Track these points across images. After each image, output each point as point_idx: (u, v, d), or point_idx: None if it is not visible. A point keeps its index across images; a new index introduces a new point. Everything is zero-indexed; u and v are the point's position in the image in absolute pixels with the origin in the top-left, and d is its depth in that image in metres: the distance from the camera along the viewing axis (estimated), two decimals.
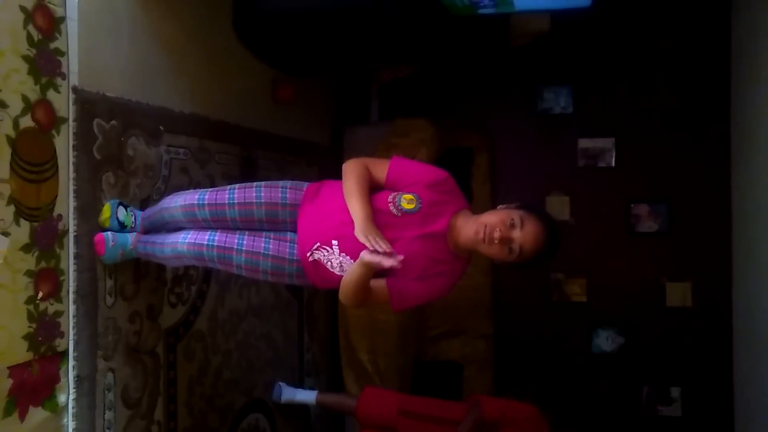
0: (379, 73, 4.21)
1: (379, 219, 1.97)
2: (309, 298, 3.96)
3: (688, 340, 4.14)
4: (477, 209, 2.10)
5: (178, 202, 2.25)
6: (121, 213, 2.36)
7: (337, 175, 2.11)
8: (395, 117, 4.17)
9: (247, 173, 3.27)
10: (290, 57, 3.50)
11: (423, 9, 3.32)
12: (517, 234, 1.90)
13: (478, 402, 3.08)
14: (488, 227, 1.90)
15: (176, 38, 2.81)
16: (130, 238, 2.36)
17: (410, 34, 3.32)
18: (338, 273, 2.04)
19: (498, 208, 2.01)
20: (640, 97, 4.23)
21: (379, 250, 1.86)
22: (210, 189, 2.24)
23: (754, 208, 3.58)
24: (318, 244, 2.04)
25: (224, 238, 2.12)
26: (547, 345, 4.34)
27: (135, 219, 2.42)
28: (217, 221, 2.17)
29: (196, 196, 2.21)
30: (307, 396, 3.62)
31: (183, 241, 2.18)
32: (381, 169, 2.07)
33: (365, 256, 1.87)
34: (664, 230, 4.19)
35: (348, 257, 2.00)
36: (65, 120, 2.15)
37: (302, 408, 3.81)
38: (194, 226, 2.22)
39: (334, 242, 2.01)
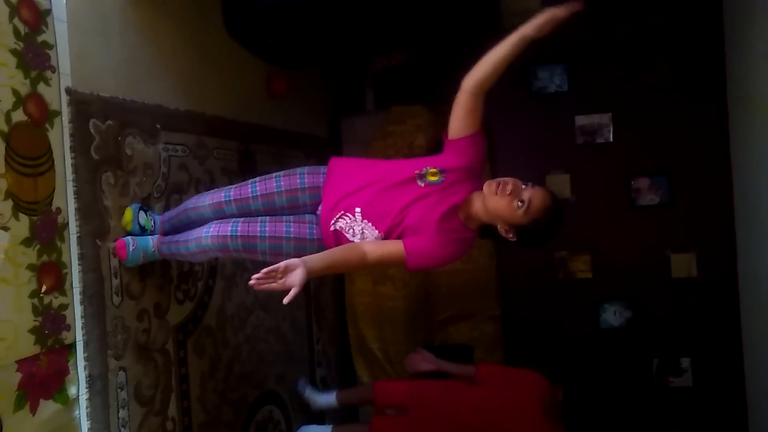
0: (372, 62, 4.21)
1: (402, 188, 2.14)
2: (315, 289, 3.98)
3: (696, 310, 4.14)
4: None
5: (206, 201, 2.39)
6: (142, 217, 2.45)
7: None
8: (390, 105, 4.17)
9: (245, 168, 3.28)
10: (282, 50, 3.51)
11: None
12: (527, 193, 2.04)
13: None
14: (502, 182, 2.05)
15: (168, 36, 2.82)
16: (151, 241, 2.43)
17: (401, 20, 3.32)
18: (358, 241, 2.16)
19: None
20: (636, 70, 4.21)
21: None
22: (233, 186, 2.38)
23: (753, 175, 3.58)
24: (342, 212, 2.16)
25: (246, 227, 2.21)
26: (555, 323, 4.34)
27: (155, 223, 2.52)
28: (243, 213, 2.31)
29: (222, 194, 2.36)
30: (328, 399, 3.65)
31: (206, 234, 2.26)
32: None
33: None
34: (665, 202, 4.18)
35: (370, 224, 2.14)
36: (58, 113, 2.16)
37: None
38: (220, 217, 2.33)
39: (358, 209, 2.15)
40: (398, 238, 2.13)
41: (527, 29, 2.05)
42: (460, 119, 2.15)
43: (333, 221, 2.17)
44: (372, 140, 4.06)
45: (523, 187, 2.05)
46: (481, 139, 2.18)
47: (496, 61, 2.09)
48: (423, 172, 2.14)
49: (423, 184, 2.13)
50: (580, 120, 4.28)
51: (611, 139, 4.24)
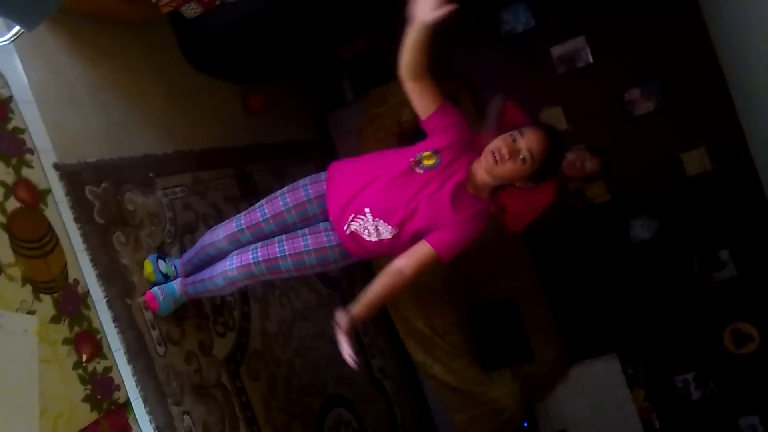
0: (339, 53, 4.20)
1: (404, 179, 2.13)
2: (348, 286, 4.01)
3: (719, 201, 4.13)
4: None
5: (220, 235, 2.41)
6: (162, 265, 2.49)
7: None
8: (369, 89, 4.17)
9: (247, 190, 3.31)
10: (248, 67, 3.52)
11: None
12: (522, 143, 2.01)
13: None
14: (496, 151, 2.03)
15: (136, 87, 2.84)
16: (176, 286, 2.48)
17: (353, 7, 3.32)
18: (375, 240, 2.17)
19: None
20: None
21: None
22: (242, 214, 2.40)
23: (741, 57, 3.54)
24: (353, 215, 2.17)
25: (266, 251, 2.25)
26: (588, 253, 4.35)
27: (175, 267, 2.56)
28: (258, 238, 2.33)
29: (234, 224, 2.37)
30: None
31: (231, 267, 2.30)
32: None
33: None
34: (661, 106, 4.16)
35: (381, 220, 2.14)
36: (49, 191, 2.19)
37: (381, 389, 3.87)
38: (238, 247, 2.36)
39: (367, 210, 2.16)
40: (413, 234, 2.13)
41: (422, 16, 2.00)
42: (417, 103, 2.14)
43: (346, 225, 2.19)
44: (360, 128, 4.07)
45: (514, 138, 2.01)
46: (450, 109, 2.16)
47: (411, 47, 2.06)
48: (418, 159, 2.13)
49: (422, 171, 2.12)
50: (556, 50, 4.26)
51: (591, 60, 4.22)
